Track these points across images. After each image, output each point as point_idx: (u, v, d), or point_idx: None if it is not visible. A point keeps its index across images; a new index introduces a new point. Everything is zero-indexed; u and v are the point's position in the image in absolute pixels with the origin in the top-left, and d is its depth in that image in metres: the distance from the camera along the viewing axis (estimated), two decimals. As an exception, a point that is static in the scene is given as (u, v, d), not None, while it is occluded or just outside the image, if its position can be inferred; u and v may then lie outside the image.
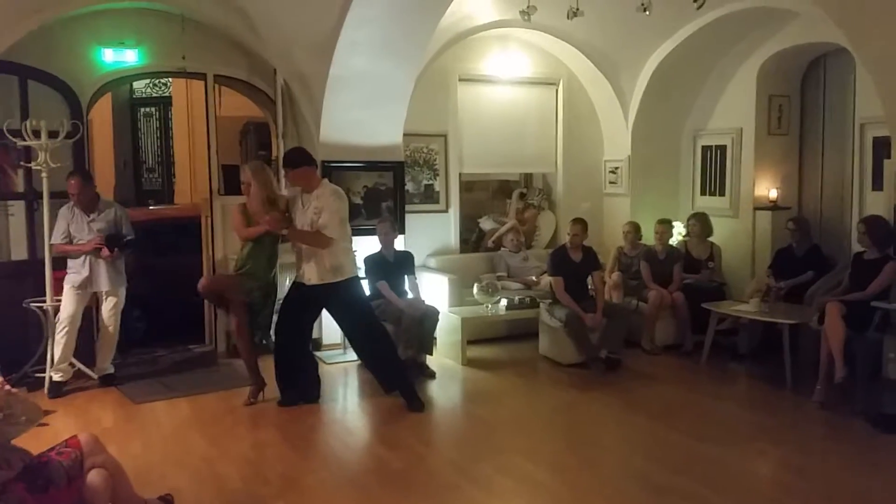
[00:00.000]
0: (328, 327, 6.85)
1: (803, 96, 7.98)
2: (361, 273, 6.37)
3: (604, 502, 4.07)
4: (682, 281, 7.39)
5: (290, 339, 5.62)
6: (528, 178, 9.30)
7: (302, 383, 5.72)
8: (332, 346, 7.16)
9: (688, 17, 7.46)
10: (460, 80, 8.18)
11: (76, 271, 5.91)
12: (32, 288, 6.10)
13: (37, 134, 5.85)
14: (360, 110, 7.02)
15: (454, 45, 7.75)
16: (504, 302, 7.17)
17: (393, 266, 6.68)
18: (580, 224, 6.94)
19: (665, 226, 7.72)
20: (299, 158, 5.51)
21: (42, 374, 5.92)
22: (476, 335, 7.28)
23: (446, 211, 8.21)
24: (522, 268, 8.07)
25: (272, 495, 4.16)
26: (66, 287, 5.91)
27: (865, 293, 5.64)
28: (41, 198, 6.02)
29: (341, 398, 6.14)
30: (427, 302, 6.68)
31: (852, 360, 5.50)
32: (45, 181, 5.93)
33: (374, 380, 5.87)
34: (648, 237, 7.84)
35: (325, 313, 6.04)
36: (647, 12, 6.07)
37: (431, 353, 6.64)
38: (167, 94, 11.63)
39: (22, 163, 6.25)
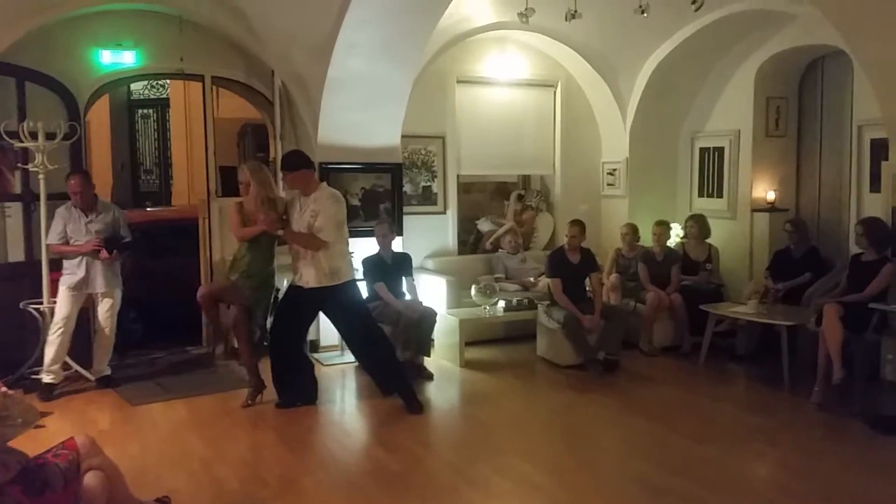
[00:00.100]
0: (326, 329, 6.84)
1: (801, 98, 7.99)
2: (359, 275, 6.37)
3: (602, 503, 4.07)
4: (679, 282, 7.39)
5: (287, 342, 5.60)
6: (526, 179, 9.30)
7: (299, 385, 5.71)
8: (330, 348, 7.16)
9: (686, 20, 7.47)
10: (458, 81, 8.18)
11: (72, 272, 5.88)
12: (29, 290, 6.09)
13: (34, 135, 5.83)
14: (358, 112, 7.02)
15: (452, 47, 7.75)
16: (502, 303, 7.16)
17: (391, 267, 6.67)
18: (578, 226, 6.94)
19: (663, 227, 7.72)
20: (297, 161, 5.50)
21: (39, 376, 5.90)
22: (474, 337, 7.27)
23: (444, 212, 8.21)
24: (520, 269, 8.07)
25: (270, 497, 4.15)
26: (62, 288, 5.87)
27: (863, 295, 5.64)
28: (38, 199, 6.01)
29: (339, 400, 6.13)
30: (425, 303, 6.68)
31: (850, 361, 5.50)
32: (42, 183, 5.92)
33: (372, 382, 5.85)
34: (646, 239, 7.84)
35: (323, 314, 6.03)
36: (645, 14, 6.08)
37: (429, 355, 6.64)
38: (165, 96, 11.62)
39: (19, 164, 6.24)
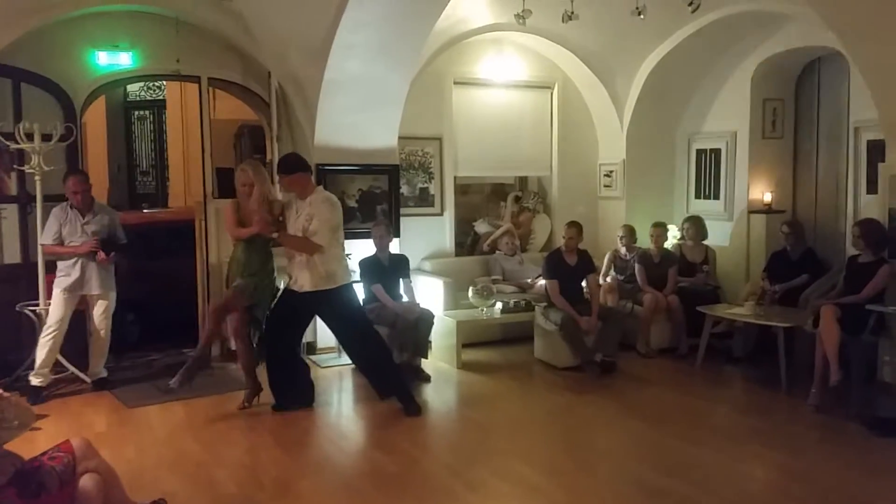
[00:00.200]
0: (322, 331, 6.83)
1: (797, 100, 8.00)
2: (356, 277, 6.36)
3: (599, 506, 4.07)
4: (676, 284, 7.39)
5: (283, 345, 5.59)
6: (523, 181, 9.30)
7: (296, 388, 5.69)
8: (327, 350, 7.15)
9: (682, 21, 7.48)
10: (455, 83, 8.18)
11: (66, 273, 5.84)
12: (25, 291, 6.08)
13: (30, 137, 5.82)
14: (354, 114, 7.02)
15: (449, 49, 7.75)
16: (499, 305, 7.16)
17: (388, 269, 6.67)
18: (575, 227, 6.94)
19: (660, 229, 7.72)
20: (294, 164, 5.48)
21: (27, 379, 5.84)
22: (471, 338, 7.27)
23: (441, 214, 8.21)
24: (517, 271, 8.07)
25: (266, 500, 4.15)
26: (56, 291, 5.83)
27: (860, 296, 5.64)
28: (34, 201, 6.00)
29: (336, 402, 6.11)
30: (422, 305, 6.68)
31: (847, 363, 5.50)
32: (38, 184, 5.91)
33: (369, 385, 5.84)
34: (643, 240, 7.84)
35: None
36: (642, 16, 6.09)
37: (426, 357, 6.63)
38: (161, 98, 11.60)
39: (15, 166, 6.23)
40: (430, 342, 6.74)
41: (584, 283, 6.94)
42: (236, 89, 7.46)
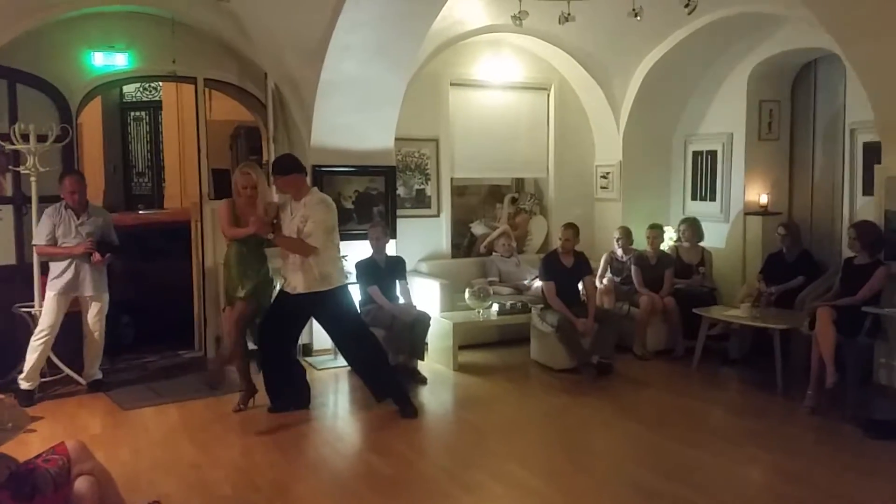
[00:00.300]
0: (318, 333, 6.82)
1: (794, 101, 8.01)
2: (351, 279, 6.36)
3: (596, 508, 4.07)
4: (673, 286, 7.40)
5: (278, 347, 5.57)
6: (519, 182, 9.30)
7: (292, 389, 5.68)
8: (323, 352, 7.13)
9: (679, 23, 7.48)
10: (452, 84, 8.18)
11: (59, 275, 5.78)
12: (20, 293, 6.05)
13: (25, 138, 5.81)
14: (351, 115, 7.01)
15: (446, 50, 7.74)
16: (496, 307, 7.16)
17: (384, 271, 6.66)
18: (572, 229, 6.94)
19: (656, 231, 7.73)
20: (289, 165, 5.45)
21: (17, 383, 5.80)
22: (467, 340, 7.26)
23: (438, 216, 8.20)
24: (514, 273, 8.06)
25: (262, 502, 4.14)
26: (49, 294, 5.76)
27: (856, 298, 5.65)
28: (30, 202, 5.98)
29: (332, 404, 6.10)
30: (418, 307, 6.67)
31: (843, 365, 5.51)
32: (33, 185, 5.90)
33: (365, 388, 5.83)
34: (640, 242, 7.85)
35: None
36: (639, 18, 6.09)
37: (423, 359, 6.62)
38: (157, 98, 11.60)
39: (10, 167, 6.21)
40: (427, 344, 6.73)
41: (580, 285, 6.94)
42: (232, 90, 7.46)
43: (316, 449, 5.06)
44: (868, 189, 6.64)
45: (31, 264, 5.98)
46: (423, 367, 6.60)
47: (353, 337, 5.64)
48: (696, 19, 7.21)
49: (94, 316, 5.97)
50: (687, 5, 5.87)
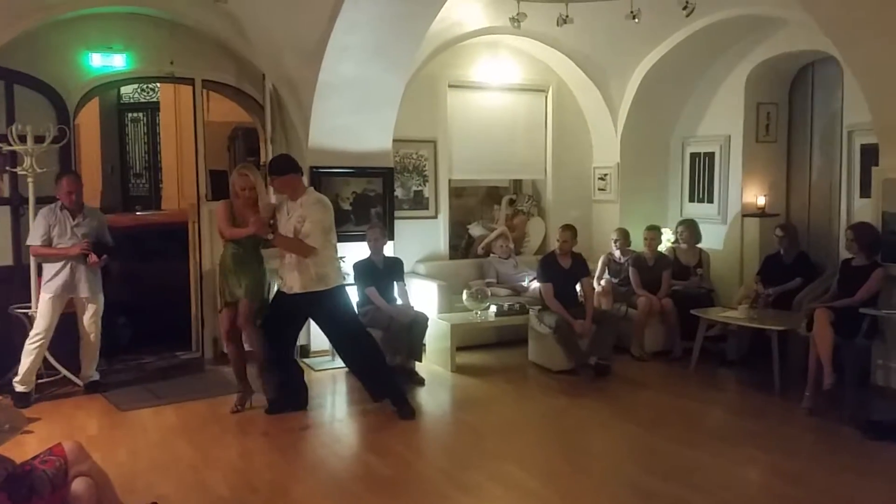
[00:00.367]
0: (316, 334, 6.82)
1: (791, 104, 8.02)
2: (349, 280, 6.35)
3: (594, 509, 4.06)
4: (671, 287, 7.40)
5: (276, 348, 5.57)
6: (517, 184, 9.30)
7: (289, 391, 5.68)
8: (320, 353, 7.13)
9: (677, 25, 7.49)
10: (450, 86, 8.18)
11: (54, 276, 5.73)
12: (17, 294, 6.04)
13: (23, 139, 5.79)
14: (349, 116, 7.01)
15: (444, 52, 7.75)
16: (493, 308, 7.16)
17: (382, 272, 6.66)
18: (569, 230, 6.94)
19: (654, 232, 7.74)
20: (285, 165, 5.44)
21: (12, 385, 5.77)
22: (465, 342, 7.25)
23: (436, 217, 8.20)
24: (512, 274, 8.07)
25: (260, 503, 4.13)
26: (45, 297, 5.72)
27: (854, 300, 5.66)
28: (27, 203, 5.97)
29: (329, 405, 6.10)
30: (416, 308, 6.66)
31: (841, 366, 5.51)
32: (30, 186, 5.88)
33: (363, 388, 5.83)
34: (637, 244, 7.85)
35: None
36: (636, 20, 6.11)
37: (420, 360, 6.62)
38: (155, 100, 11.57)
39: (7, 168, 6.19)
40: (425, 345, 6.73)
41: (578, 287, 6.94)
42: (230, 91, 7.45)
43: (314, 450, 5.05)
44: (865, 191, 6.64)
45: (29, 265, 5.96)
46: (420, 368, 6.59)
47: (351, 337, 5.63)
48: (694, 21, 7.21)
49: (90, 318, 5.95)
50: (685, 7, 5.88)
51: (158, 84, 10.75)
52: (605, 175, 8.79)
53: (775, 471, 4.65)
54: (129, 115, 12.09)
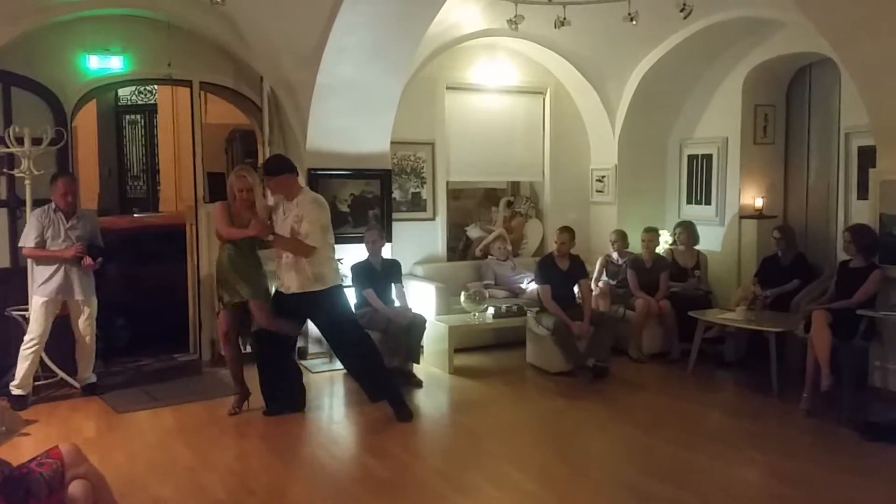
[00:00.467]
0: (314, 336, 6.81)
1: (789, 106, 8.03)
2: (346, 281, 6.35)
3: (592, 511, 4.06)
4: (668, 289, 7.40)
5: (274, 349, 5.56)
6: (515, 186, 9.30)
7: (287, 392, 5.67)
8: (318, 355, 7.12)
9: (674, 27, 7.50)
10: (448, 88, 8.18)
11: (47, 280, 5.70)
12: (14, 296, 6.02)
13: (20, 141, 5.79)
14: (347, 118, 7.00)
15: (442, 54, 7.75)
16: (491, 310, 7.15)
17: (380, 274, 6.65)
18: (567, 232, 6.94)
19: (652, 234, 7.74)
20: (280, 166, 5.43)
21: (9, 389, 5.75)
22: (463, 343, 7.25)
23: (433, 219, 8.20)
24: (509, 276, 8.07)
25: (257, 505, 4.13)
26: (38, 300, 5.68)
27: (851, 301, 5.66)
28: (24, 205, 5.96)
29: (327, 407, 6.09)
30: (414, 310, 6.66)
31: (838, 368, 5.51)
32: (28, 188, 5.88)
33: (361, 389, 5.82)
34: (635, 245, 7.85)
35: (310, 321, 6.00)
36: (634, 22, 6.11)
37: (418, 362, 6.61)
38: (153, 102, 11.58)
39: (4, 170, 6.19)
40: (422, 347, 6.72)
41: (576, 289, 6.94)
42: (228, 93, 7.45)
43: (311, 452, 5.05)
44: (863, 193, 6.65)
45: (26, 268, 5.94)
46: (418, 370, 6.59)
47: (348, 338, 5.62)
48: (692, 24, 7.21)
49: (85, 320, 5.92)
50: (682, 10, 5.88)
51: (156, 86, 10.76)
52: (603, 177, 8.79)
53: (773, 472, 4.65)
54: (127, 117, 12.10)
